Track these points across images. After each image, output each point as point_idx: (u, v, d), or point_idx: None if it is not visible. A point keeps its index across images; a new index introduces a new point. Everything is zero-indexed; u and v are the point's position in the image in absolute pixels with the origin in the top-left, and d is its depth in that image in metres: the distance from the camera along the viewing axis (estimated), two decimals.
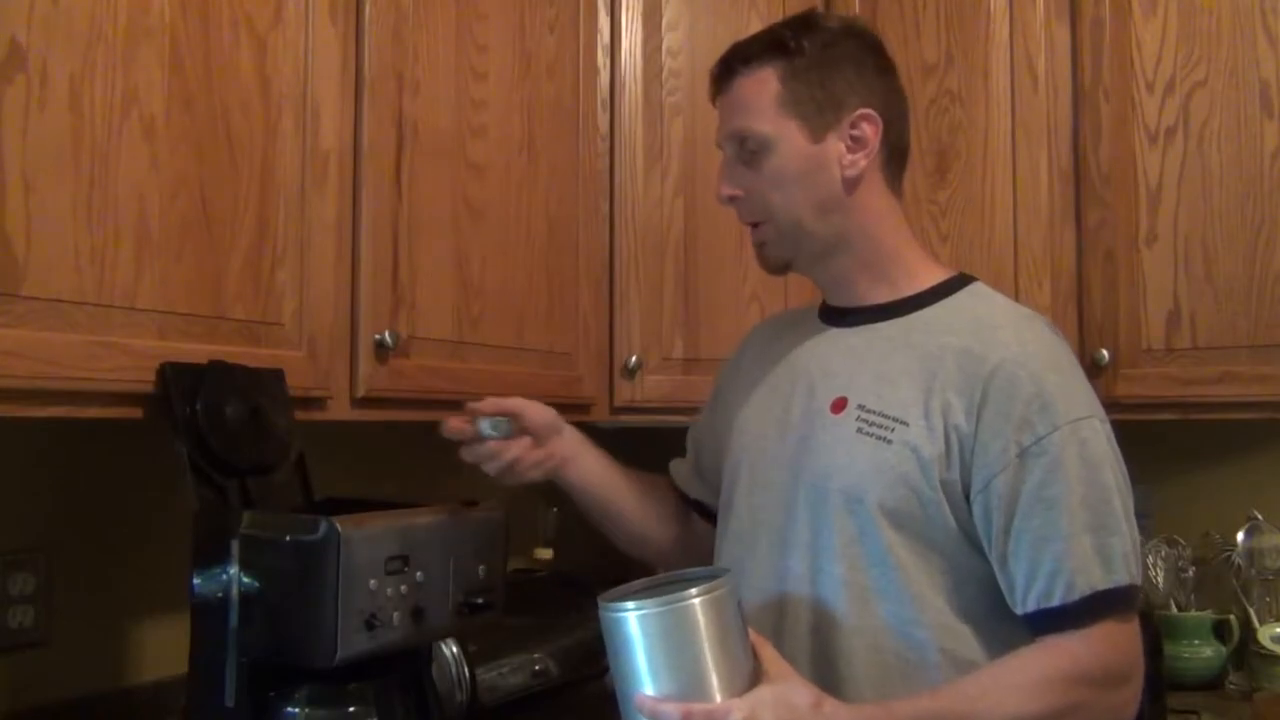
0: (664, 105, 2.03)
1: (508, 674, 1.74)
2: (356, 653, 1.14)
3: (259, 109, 1.33)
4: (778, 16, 2.12)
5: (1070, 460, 1.12)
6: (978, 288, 1.26)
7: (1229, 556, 2.06)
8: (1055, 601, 1.11)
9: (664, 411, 2.03)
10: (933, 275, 1.26)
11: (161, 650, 1.55)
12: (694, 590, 1.01)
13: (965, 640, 1.16)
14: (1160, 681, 1.84)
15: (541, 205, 1.83)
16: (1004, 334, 1.18)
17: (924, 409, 1.16)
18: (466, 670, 1.65)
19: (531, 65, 1.81)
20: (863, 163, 1.22)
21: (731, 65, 1.26)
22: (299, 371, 1.35)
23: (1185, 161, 1.91)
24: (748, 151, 1.24)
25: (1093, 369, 1.95)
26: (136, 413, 1.18)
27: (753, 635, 1.07)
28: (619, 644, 1.03)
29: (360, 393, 1.46)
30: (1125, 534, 1.13)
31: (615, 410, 2.00)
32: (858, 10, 2.17)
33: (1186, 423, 2.02)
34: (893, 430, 1.17)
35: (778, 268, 1.30)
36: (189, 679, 1.20)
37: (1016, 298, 2.00)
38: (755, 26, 2.11)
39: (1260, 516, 2.06)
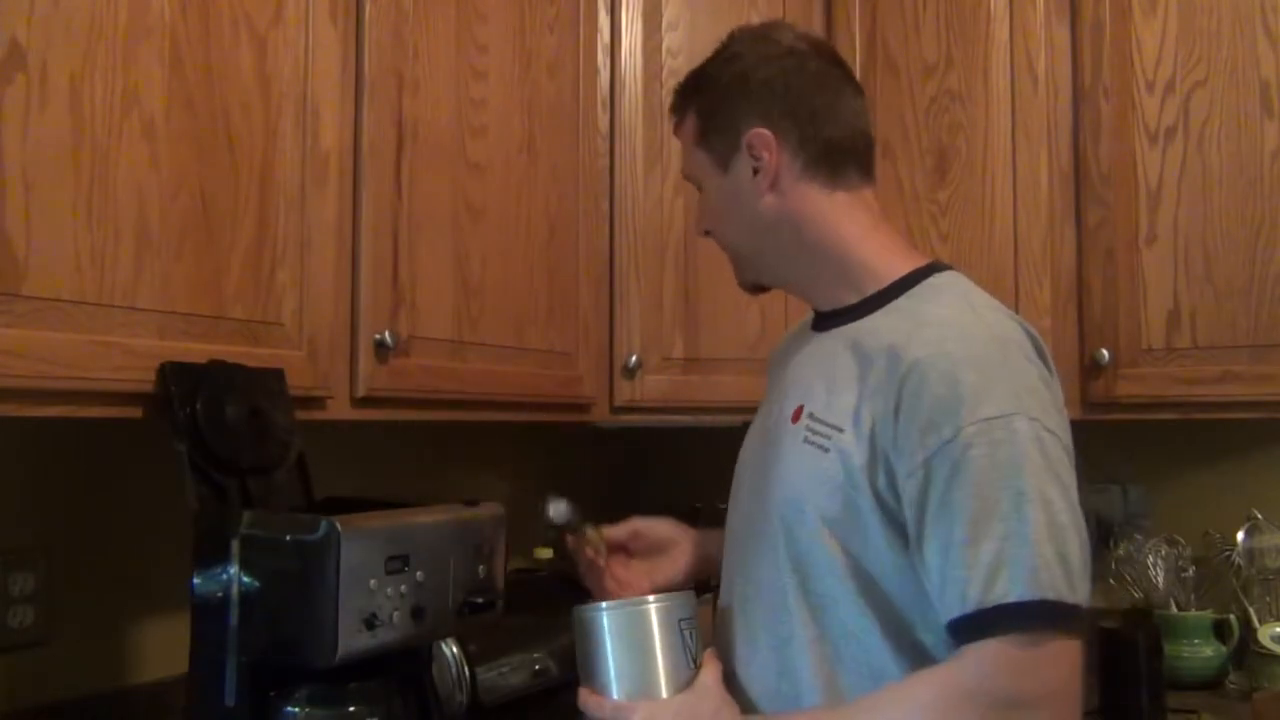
0: (664, 105, 2.01)
1: (508, 674, 1.74)
2: (356, 652, 1.14)
3: (259, 109, 1.33)
4: (777, 16, 2.13)
5: (976, 463, 1.02)
6: (940, 279, 1.18)
7: (1229, 556, 2.06)
8: (955, 614, 1.02)
9: (664, 411, 2.03)
10: (895, 270, 1.19)
11: (161, 650, 1.55)
12: (650, 599, 1.17)
13: (921, 650, 1.10)
14: (1160, 681, 1.84)
15: (541, 205, 1.83)
16: (930, 331, 1.10)
17: (855, 415, 1.11)
18: (466, 670, 1.65)
19: (531, 65, 1.81)
20: (765, 183, 1.20)
21: (672, 111, 1.31)
22: (299, 371, 1.35)
23: (1185, 161, 1.91)
24: (698, 191, 1.30)
25: (1092, 369, 1.95)
26: (136, 412, 1.18)
27: (708, 652, 1.16)
28: (581, 639, 1.19)
29: (360, 393, 1.46)
30: (1043, 542, 1.00)
31: (615, 410, 2.00)
32: (858, 11, 2.18)
33: (1186, 423, 2.02)
34: (830, 438, 1.13)
35: (751, 288, 1.32)
36: (189, 679, 1.20)
37: (1016, 298, 2.00)
38: None
39: (1260, 516, 2.06)
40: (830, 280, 1.22)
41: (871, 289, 1.19)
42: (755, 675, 1.19)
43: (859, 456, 1.09)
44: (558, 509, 1.34)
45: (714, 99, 1.24)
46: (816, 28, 2.18)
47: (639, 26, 2.05)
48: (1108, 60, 1.98)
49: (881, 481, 1.08)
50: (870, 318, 1.18)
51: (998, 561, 1.00)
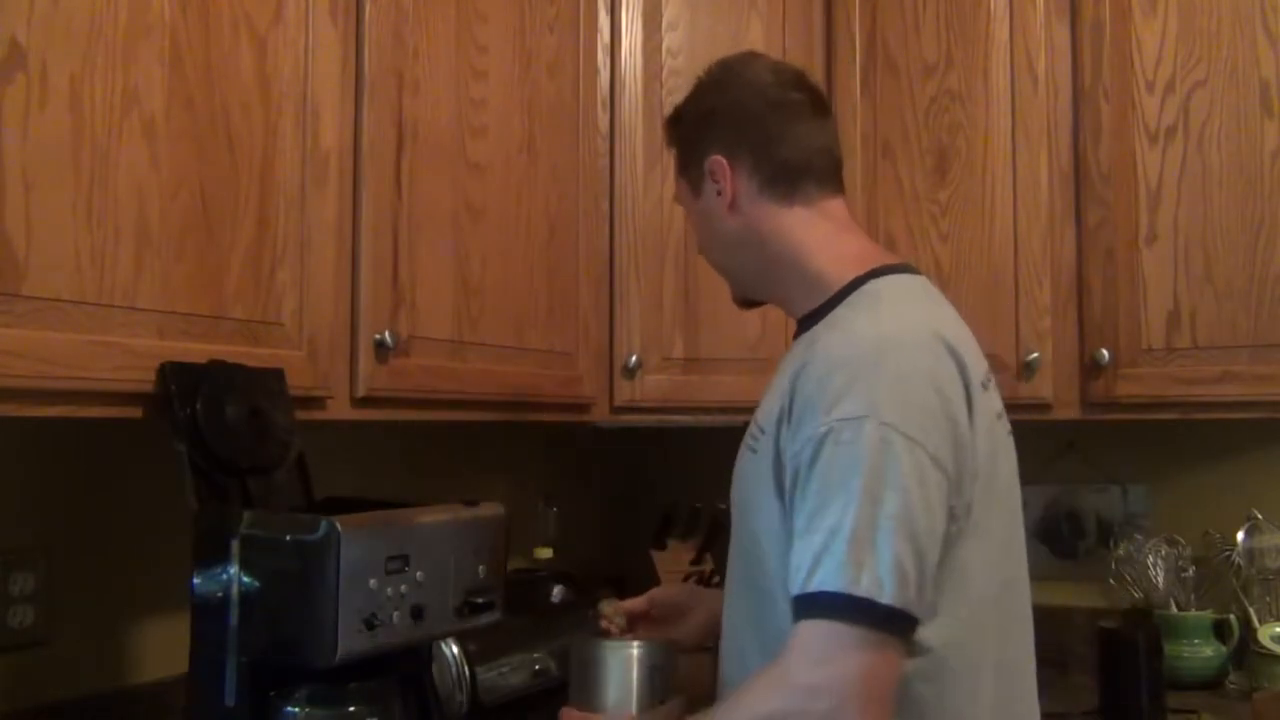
0: (664, 105, 2.02)
1: (508, 674, 1.74)
2: (356, 652, 1.14)
3: (259, 109, 1.33)
4: (778, 16, 2.13)
5: (823, 460, 1.07)
6: (876, 284, 1.21)
7: (1229, 556, 2.07)
8: (791, 597, 1.07)
9: (664, 411, 2.03)
10: (844, 278, 1.23)
11: (161, 650, 1.55)
12: (634, 645, 1.36)
13: None
14: (1160, 681, 1.84)
15: (541, 205, 1.83)
16: (830, 336, 1.16)
17: (772, 418, 1.17)
18: (466, 670, 1.65)
19: (532, 65, 1.81)
20: (725, 204, 1.29)
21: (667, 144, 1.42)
22: (299, 371, 1.35)
23: (1185, 161, 1.91)
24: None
25: (1092, 369, 1.95)
26: (136, 412, 1.18)
27: (678, 696, 1.27)
28: (578, 667, 1.37)
29: (360, 393, 1.46)
30: (861, 541, 1.02)
31: (615, 410, 2.00)
32: (858, 11, 2.18)
33: (1186, 423, 2.02)
34: (759, 440, 1.20)
35: (742, 304, 1.40)
36: (189, 679, 1.20)
37: (1016, 298, 2.00)
38: (755, 26, 2.12)
39: (1260, 516, 2.06)
40: (797, 290, 1.28)
41: (822, 298, 1.24)
42: (732, 662, 1.26)
43: (770, 455, 1.16)
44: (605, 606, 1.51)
45: (686, 132, 1.36)
46: (816, 28, 2.19)
47: (639, 26, 2.05)
48: (1108, 60, 1.98)
49: (784, 478, 1.14)
50: (815, 326, 1.23)
51: (820, 552, 1.03)
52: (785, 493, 1.13)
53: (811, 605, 1.03)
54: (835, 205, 1.30)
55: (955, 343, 1.14)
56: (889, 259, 1.27)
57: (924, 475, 1.06)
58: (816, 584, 1.03)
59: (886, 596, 1.01)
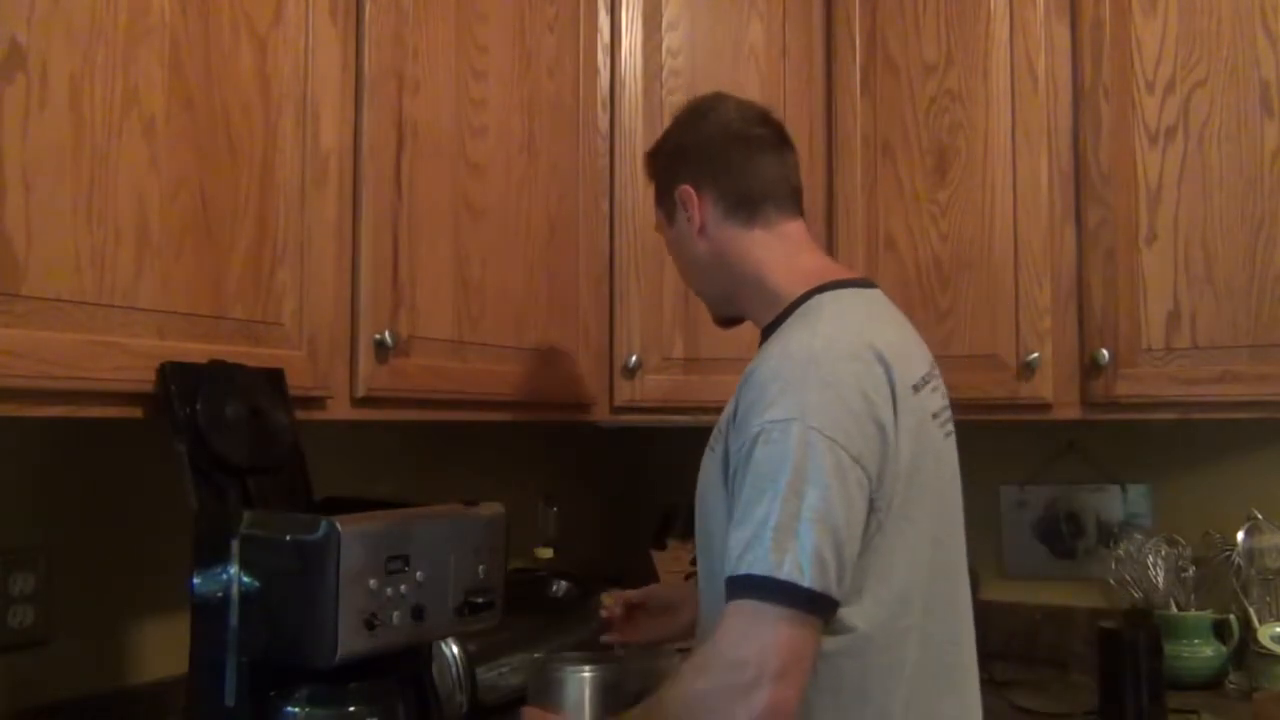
0: (664, 105, 2.02)
1: (508, 674, 1.74)
2: (356, 652, 1.14)
3: (259, 109, 1.33)
4: (778, 16, 2.13)
5: (755, 458, 1.18)
6: (819, 299, 1.33)
7: (1229, 556, 2.06)
8: (732, 573, 1.17)
9: (664, 411, 2.03)
10: (793, 293, 1.35)
11: (161, 650, 1.55)
12: (586, 669, 1.56)
13: None
14: (1160, 681, 1.84)
15: (541, 205, 1.83)
16: (771, 348, 1.29)
17: (727, 420, 1.28)
18: (466, 670, 1.65)
19: (531, 65, 1.81)
20: (694, 229, 1.42)
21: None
22: (299, 371, 1.35)
23: (1185, 161, 1.91)
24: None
25: (1092, 369, 1.95)
26: (136, 413, 1.18)
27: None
28: (541, 683, 1.59)
29: (360, 393, 1.46)
30: (784, 529, 1.13)
31: (615, 410, 2.00)
32: (858, 11, 2.18)
33: (1186, 423, 2.02)
34: (715, 440, 1.31)
35: (722, 323, 1.52)
36: (189, 679, 1.20)
37: (1016, 298, 2.01)
38: (755, 26, 2.12)
39: (1260, 516, 2.06)
40: (758, 305, 1.40)
41: (778, 311, 1.36)
42: None
43: (721, 454, 1.27)
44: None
45: (660, 166, 1.50)
46: (816, 28, 2.19)
47: (639, 26, 2.05)
48: (1108, 60, 1.97)
49: (729, 474, 1.24)
50: (767, 341, 1.35)
51: (750, 539, 1.14)
52: (730, 488, 1.23)
53: (740, 586, 1.14)
54: (794, 227, 1.42)
55: (885, 351, 1.24)
56: (842, 274, 1.39)
57: (844, 473, 1.16)
58: (745, 567, 1.14)
59: (806, 580, 1.12)
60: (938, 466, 1.29)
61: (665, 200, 1.48)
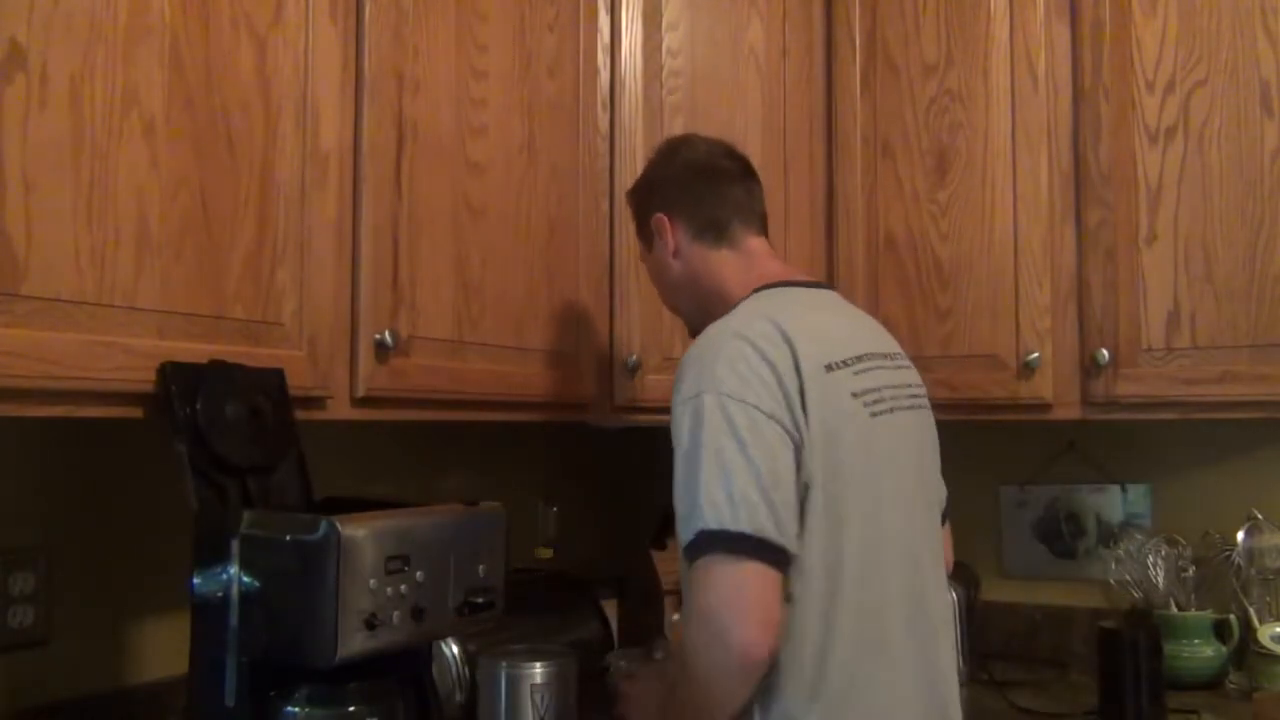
0: (664, 105, 2.03)
1: None
2: (356, 653, 1.14)
3: (259, 109, 1.33)
4: (778, 16, 2.13)
5: (679, 430, 1.32)
6: (750, 297, 1.47)
7: (1229, 556, 2.07)
8: (684, 543, 1.28)
9: (664, 411, 2.01)
10: (741, 296, 1.49)
11: (161, 650, 1.55)
12: (537, 666, 1.58)
13: None
14: (1160, 681, 1.84)
15: (541, 205, 1.83)
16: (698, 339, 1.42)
17: None
18: (466, 670, 1.65)
19: (532, 65, 1.81)
20: (669, 252, 1.59)
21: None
22: (299, 371, 1.35)
23: (1185, 161, 1.91)
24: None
25: (1092, 369, 1.95)
26: (136, 412, 1.18)
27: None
28: (483, 690, 1.61)
29: (360, 393, 1.46)
30: (712, 483, 1.25)
31: (615, 410, 2.00)
32: (858, 11, 2.18)
33: (1186, 423, 2.02)
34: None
35: (696, 337, 1.56)
36: (189, 679, 1.20)
37: (1016, 297, 2.01)
38: (755, 26, 2.12)
39: (1260, 516, 2.06)
40: (720, 315, 1.47)
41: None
42: None
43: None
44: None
45: (639, 199, 1.69)
46: (816, 28, 2.19)
47: (639, 26, 2.05)
48: (1108, 60, 1.98)
49: None
50: None
51: (690, 509, 1.27)
52: None
53: (692, 551, 1.25)
54: (757, 242, 1.58)
55: (792, 331, 1.34)
56: (790, 276, 1.53)
57: (759, 427, 1.27)
58: (689, 534, 1.26)
59: (739, 524, 1.23)
60: (865, 444, 1.35)
61: (644, 230, 1.65)
